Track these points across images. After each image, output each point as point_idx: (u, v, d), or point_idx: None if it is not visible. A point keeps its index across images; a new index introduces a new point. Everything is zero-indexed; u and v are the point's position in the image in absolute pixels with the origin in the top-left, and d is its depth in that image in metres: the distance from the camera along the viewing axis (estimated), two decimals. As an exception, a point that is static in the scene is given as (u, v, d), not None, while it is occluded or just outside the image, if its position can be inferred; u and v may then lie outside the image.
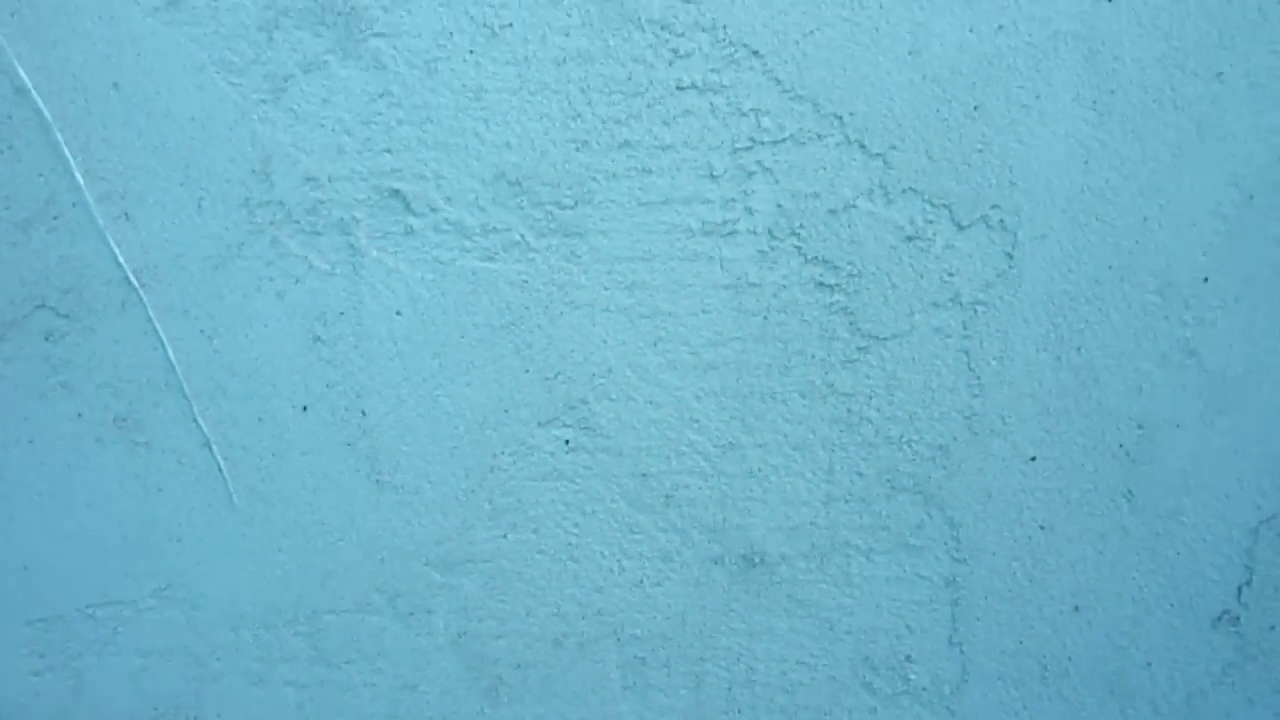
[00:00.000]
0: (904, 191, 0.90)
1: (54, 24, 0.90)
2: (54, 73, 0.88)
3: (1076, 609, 0.98)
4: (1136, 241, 0.91)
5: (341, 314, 0.92)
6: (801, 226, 0.91)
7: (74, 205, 0.90)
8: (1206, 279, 0.92)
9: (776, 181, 0.90)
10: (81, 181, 0.90)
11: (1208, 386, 0.94)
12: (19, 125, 0.89)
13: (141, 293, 0.91)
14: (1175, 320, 0.92)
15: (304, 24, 0.88)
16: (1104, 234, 0.91)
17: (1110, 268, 0.92)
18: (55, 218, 0.90)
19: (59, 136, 0.89)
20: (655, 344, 0.93)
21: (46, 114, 0.91)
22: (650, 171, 0.90)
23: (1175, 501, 0.96)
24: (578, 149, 0.90)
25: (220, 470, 0.94)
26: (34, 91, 0.91)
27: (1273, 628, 0.99)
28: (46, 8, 0.89)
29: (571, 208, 0.91)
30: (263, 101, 0.89)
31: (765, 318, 0.93)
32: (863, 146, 0.90)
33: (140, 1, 0.90)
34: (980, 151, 0.90)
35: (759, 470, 0.95)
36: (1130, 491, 0.96)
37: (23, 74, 0.90)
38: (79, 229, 0.90)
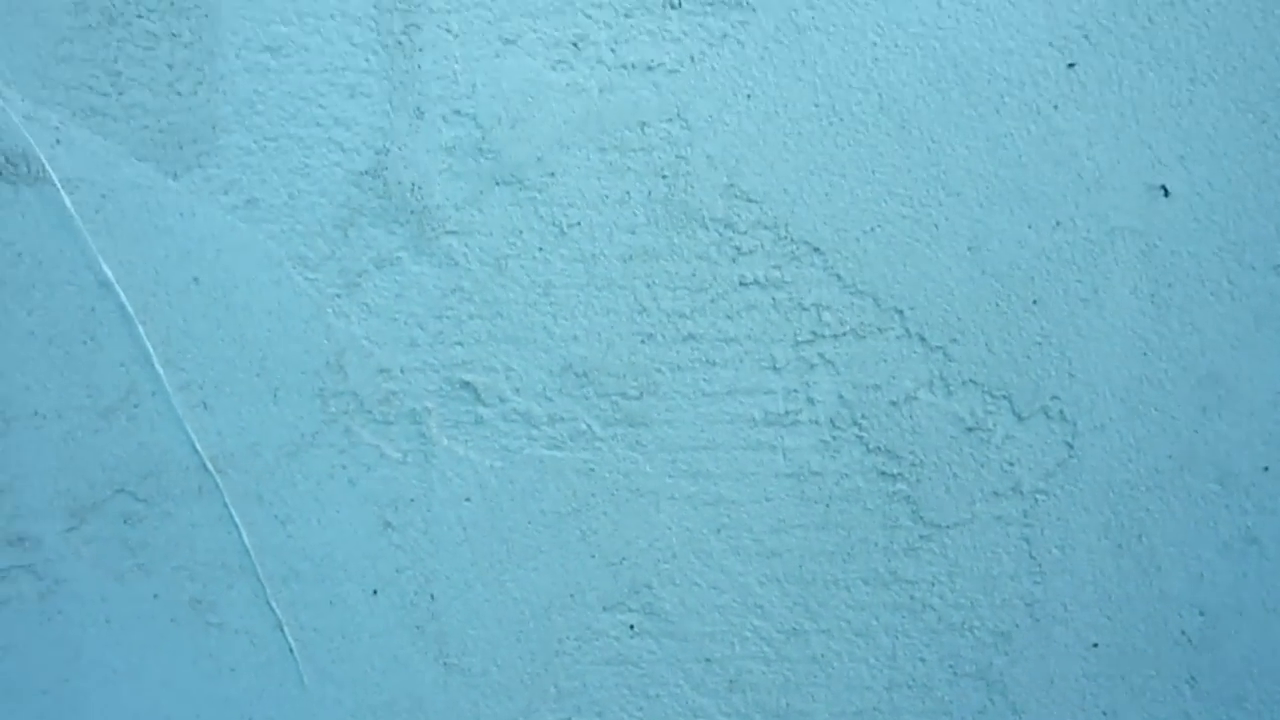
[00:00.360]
0: (964, 383, 0.86)
1: (137, 220, 0.87)
2: (136, 267, 0.85)
3: (1140, 794, 0.97)
4: (1196, 431, 0.87)
5: (412, 501, 0.88)
6: (863, 417, 0.87)
7: (154, 394, 0.86)
8: (1266, 468, 0.87)
9: (838, 373, 0.86)
10: (161, 372, 0.86)
11: (1270, 574, 0.88)
12: (102, 317, 0.85)
13: (218, 479, 0.87)
14: (1236, 509, 0.88)
15: (378, 222, 0.86)
16: (1163, 424, 0.87)
17: (1170, 457, 0.87)
18: (136, 406, 0.86)
19: (140, 329, 0.85)
20: (719, 530, 0.88)
21: (129, 307, 0.85)
22: (714, 363, 0.86)
23: (1238, 688, 0.90)
24: (643, 342, 0.86)
25: (292, 652, 0.90)
26: (116, 285, 0.85)
27: (1331, 804, 0.95)
28: (130, 204, 0.89)
29: (637, 398, 0.87)
30: (338, 296, 0.86)
31: (828, 506, 0.88)
32: (923, 340, 0.86)
33: (220, 199, 0.85)
34: (1040, 344, 0.86)
35: (822, 656, 0.90)
36: (1193, 678, 0.90)
37: (106, 268, 0.88)
38: (158, 417, 0.87)
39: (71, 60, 0.86)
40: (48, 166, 0.86)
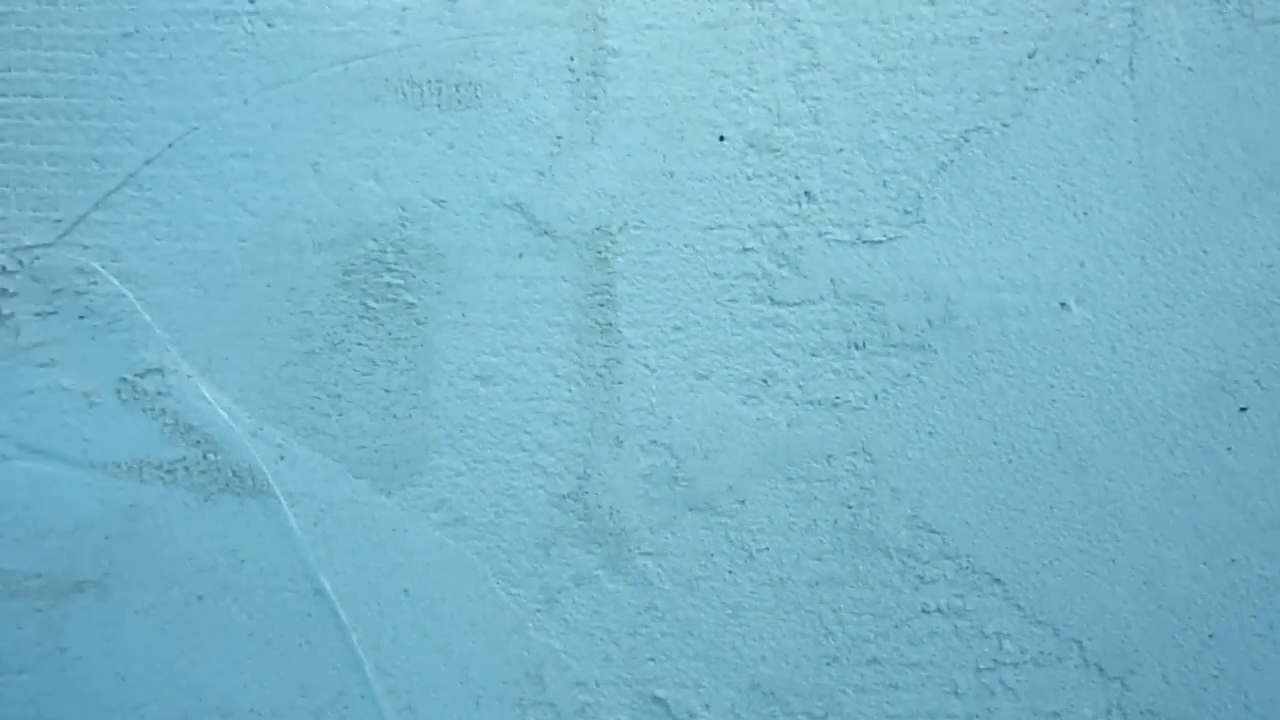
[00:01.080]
0: (1142, 713, 0.86)
1: (352, 533, 0.91)
2: (350, 577, 0.89)
3: None
4: (1374, 764, 0.92)
5: (603, 809, 0.87)
6: (1043, 743, 0.86)
7: (362, 697, 0.89)
8: None
9: (1018, 700, 0.86)
10: (371, 677, 0.89)
11: None
12: (316, 622, 0.89)
13: (420, 780, 0.89)
14: None
15: (578, 542, 0.89)
16: (1341, 758, 0.92)
17: (1349, 790, 0.92)
18: (345, 708, 0.89)
19: (352, 635, 0.89)
20: None
21: (342, 614, 0.89)
22: (897, 687, 0.87)
23: None
24: (828, 664, 0.88)
25: None
26: (331, 593, 0.89)
27: None
28: (346, 518, 0.92)
29: (822, 718, 0.91)
30: (538, 611, 0.89)
31: (1008, 829, 0.87)
32: (1101, 670, 0.86)
33: (430, 516, 0.89)
34: (1216, 677, 0.85)
35: None
36: None
37: (322, 578, 0.90)
38: None
39: (295, 382, 0.91)
40: (271, 481, 0.91)
